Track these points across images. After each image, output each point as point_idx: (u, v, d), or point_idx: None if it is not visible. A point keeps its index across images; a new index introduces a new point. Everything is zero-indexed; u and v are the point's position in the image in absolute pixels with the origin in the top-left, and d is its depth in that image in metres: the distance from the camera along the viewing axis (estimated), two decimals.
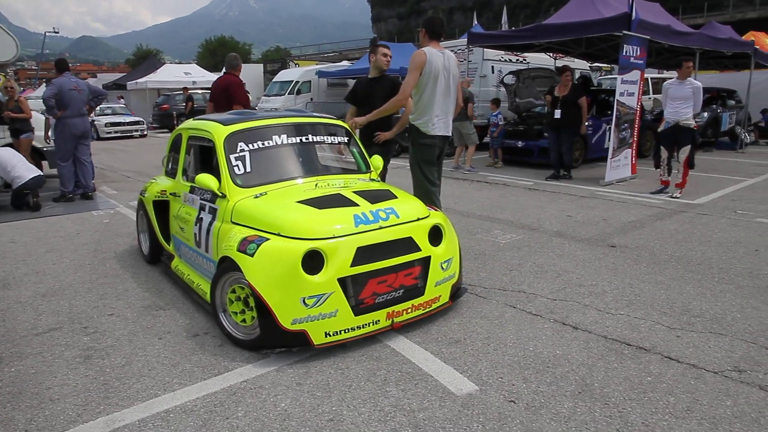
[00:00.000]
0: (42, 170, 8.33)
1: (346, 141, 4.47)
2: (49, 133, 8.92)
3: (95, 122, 19.95)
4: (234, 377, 3.02)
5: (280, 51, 77.27)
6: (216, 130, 4.03)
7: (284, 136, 4.09)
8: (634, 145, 9.72)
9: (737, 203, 7.51)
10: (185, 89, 22.29)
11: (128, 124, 21.36)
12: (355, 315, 3.26)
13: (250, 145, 3.95)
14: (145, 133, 21.62)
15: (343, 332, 3.24)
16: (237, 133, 3.97)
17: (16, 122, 8.87)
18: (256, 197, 3.67)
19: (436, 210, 4.00)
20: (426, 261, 3.56)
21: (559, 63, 13.12)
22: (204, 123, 4.31)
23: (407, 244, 3.47)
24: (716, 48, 11.56)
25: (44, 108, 8.06)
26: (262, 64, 34.07)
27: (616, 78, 9.81)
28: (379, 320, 3.36)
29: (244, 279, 3.18)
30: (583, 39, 11.09)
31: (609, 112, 9.35)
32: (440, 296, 3.69)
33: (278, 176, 3.93)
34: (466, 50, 12.23)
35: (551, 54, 13.83)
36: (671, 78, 8.18)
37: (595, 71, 19.01)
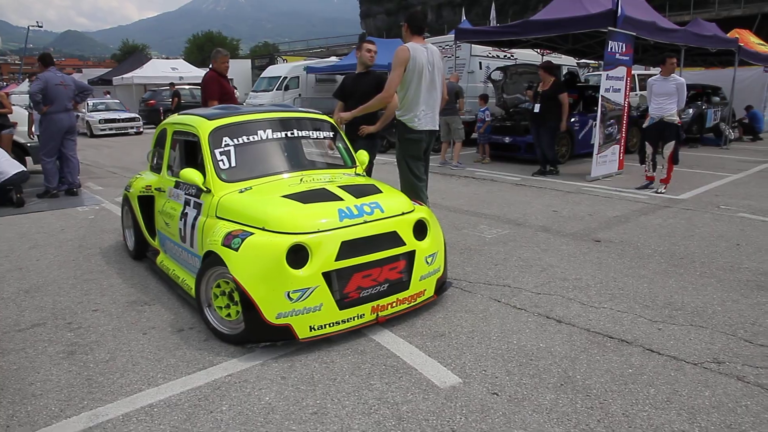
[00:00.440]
0: (26, 166, 8.25)
1: (331, 136, 4.48)
2: (33, 129, 8.82)
3: (88, 119, 19.50)
4: (218, 371, 3.02)
5: (268, 46, 76.96)
6: (201, 124, 4.01)
7: (269, 131, 4.09)
8: (622, 141, 9.78)
9: (720, 198, 7.60)
10: (172, 85, 22.19)
11: (123, 120, 20.28)
12: (340, 309, 3.27)
13: (235, 140, 3.94)
14: (141, 129, 20.57)
15: (327, 326, 3.25)
16: (222, 128, 3.96)
17: None
18: (241, 192, 3.67)
19: (421, 204, 4.02)
20: (411, 255, 3.57)
21: (547, 59, 13.16)
22: (188, 118, 4.29)
23: (392, 239, 3.48)
24: (701, 45, 11.65)
25: (27, 103, 7.97)
26: (250, 60, 33.89)
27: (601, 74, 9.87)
28: (363, 314, 3.38)
29: (229, 273, 3.18)
30: (569, 35, 11.15)
31: (596, 108, 9.41)
32: (425, 290, 3.71)
33: (263, 171, 3.92)
34: (453, 46, 12.24)
35: (539, 50, 13.88)
36: (657, 75, 8.24)
37: (583, 68, 19.09)
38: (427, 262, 3.68)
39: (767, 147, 13.72)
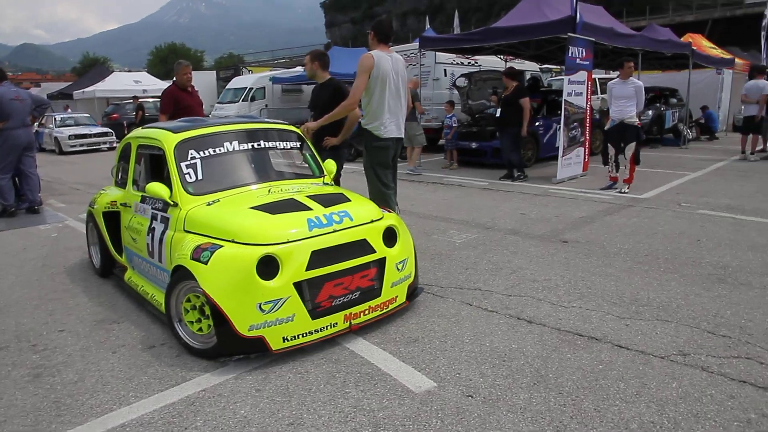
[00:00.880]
0: None
1: (298, 146, 4.48)
2: None
3: (56, 135, 18.78)
4: (192, 387, 2.99)
5: (233, 58, 76.38)
6: (165, 138, 3.97)
7: (236, 143, 4.07)
8: (586, 143, 9.99)
9: (681, 196, 7.82)
10: (135, 98, 21.81)
11: (95, 135, 19.37)
12: (313, 318, 3.26)
13: (201, 153, 3.91)
14: (115, 144, 19.32)
15: (301, 336, 3.24)
16: (187, 141, 3.93)
17: None
18: (209, 204, 3.64)
19: (390, 212, 4.05)
20: (381, 262, 3.59)
21: (510, 65, 13.39)
22: (153, 131, 4.24)
23: (362, 247, 3.49)
24: (657, 49, 12.02)
25: None
26: (215, 72, 33.58)
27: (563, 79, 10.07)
28: (336, 323, 3.38)
29: (199, 287, 3.14)
30: (531, 41, 11.35)
31: (559, 112, 9.60)
32: (397, 297, 3.72)
33: (231, 183, 3.90)
34: (418, 54, 12.35)
35: (502, 56, 14.10)
36: (617, 78, 8.46)
37: (545, 72, 19.44)
38: (398, 269, 3.70)
39: (723, 146, 14.17)
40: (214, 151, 3.96)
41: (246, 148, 4.13)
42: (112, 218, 4.73)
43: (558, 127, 10.06)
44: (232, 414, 2.71)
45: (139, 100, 20.95)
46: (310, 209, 3.47)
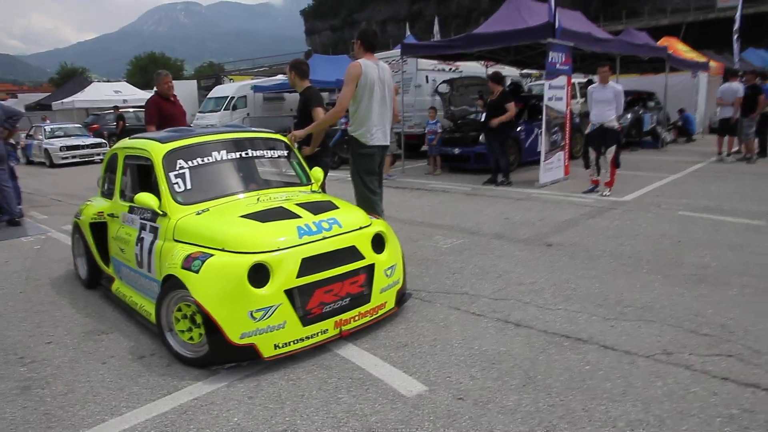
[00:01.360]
0: None
1: (285, 155, 4.51)
2: None
3: (47, 147, 17.78)
4: (184, 396, 2.99)
5: (213, 66, 76.06)
6: (154, 148, 3.98)
7: (224, 152, 4.09)
8: (566, 147, 10.14)
9: (661, 198, 7.96)
10: (116, 108, 21.63)
11: (88, 147, 18.17)
12: (304, 325, 3.29)
13: (190, 162, 3.92)
14: None
15: (292, 343, 3.26)
16: (175, 151, 3.94)
17: None
18: (198, 214, 3.65)
19: (377, 218, 4.09)
20: (370, 269, 3.63)
21: (491, 71, 13.53)
22: (141, 141, 4.25)
23: (351, 253, 3.53)
24: (634, 53, 12.25)
25: None
26: (195, 81, 33.44)
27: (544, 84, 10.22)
28: (327, 329, 3.41)
29: (190, 296, 3.16)
30: (511, 47, 11.50)
31: (540, 117, 9.73)
32: (386, 302, 3.76)
33: (219, 192, 3.92)
34: (400, 61, 12.44)
35: (483, 62, 14.25)
36: (597, 83, 8.62)
37: (526, 77, 19.68)
38: (387, 275, 3.75)
39: (700, 148, 14.43)
40: (203, 161, 3.98)
41: (234, 157, 4.15)
42: (99, 229, 4.71)
43: (539, 131, 10.19)
44: (225, 422, 2.73)
45: (120, 110, 20.78)
46: (300, 217, 3.50)
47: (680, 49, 17.66)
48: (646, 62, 14.24)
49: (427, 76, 14.58)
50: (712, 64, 17.30)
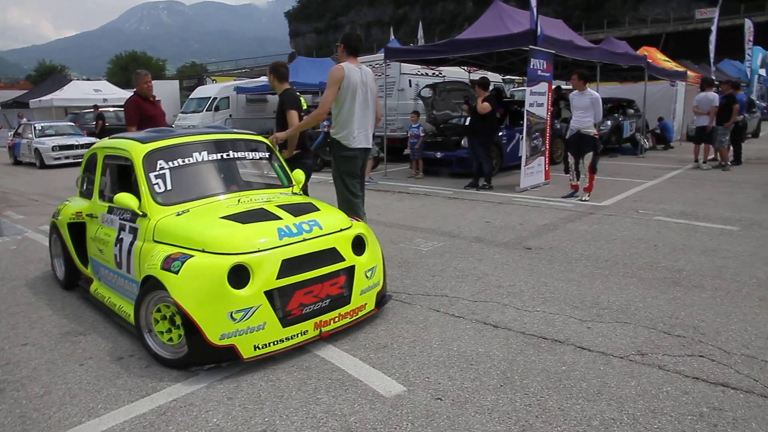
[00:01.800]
0: None
1: (267, 156, 4.51)
2: None
3: (37, 146, 16.62)
4: (163, 397, 2.99)
5: (196, 67, 75.55)
6: (134, 148, 3.96)
7: (204, 153, 4.09)
8: (547, 152, 10.26)
9: (639, 203, 8.10)
10: (96, 107, 21.40)
11: (82, 146, 16.48)
12: (284, 326, 3.30)
13: (170, 163, 3.91)
14: None
15: (272, 344, 3.27)
16: (156, 151, 3.93)
17: None
18: (178, 215, 3.65)
19: (358, 221, 4.12)
20: (350, 270, 3.65)
21: (474, 76, 13.65)
22: (120, 142, 4.23)
23: (331, 255, 3.55)
24: (614, 61, 12.44)
25: None
26: (177, 81, 33.18)
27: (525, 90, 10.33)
28: (307, 330, 3.42)
29: (170, 297, 3.15)
30: (494, 53, 11.61)
31: (521, 122, 9.83)
32: (366, 304, 3.79)
33: (200, 193, 3.91)
34: (383, 65, 12.49)
35: (466, 68, 14.36)
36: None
37: (508, 83, 19.87)
38: (367, 277, 3.77)
39: (678, 155, 14.69)
40: (183, 162, 3.97)
41: (215, 158, 4.15)
42: (78, 229, 4.67)
43: (520, 137, 10.30)
44: (204, 423, 2.73)
45: (100, 109, 20.55)
46: (280, 218, 3.52)
47: (659, 58, 17.97)
48: (625, 70, 14.46)
49: (410, 80, 14.67)
50: (690, 73, 17.62)
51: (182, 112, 22.29)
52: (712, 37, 18.64)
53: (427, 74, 14.97)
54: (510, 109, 12.05)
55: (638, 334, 3.62)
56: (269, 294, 3.24)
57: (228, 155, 4.23)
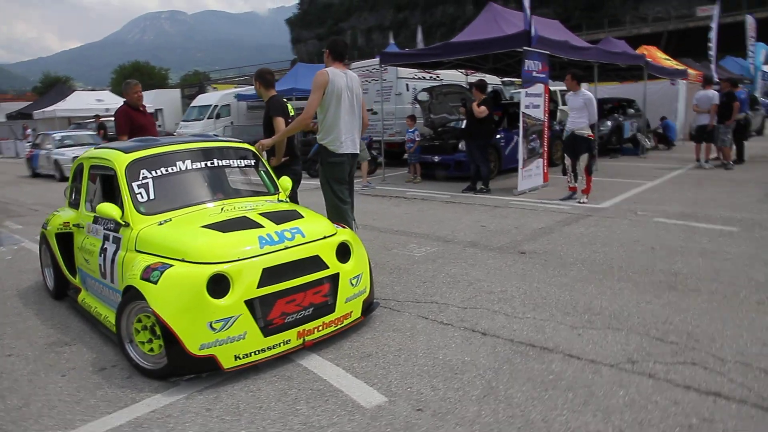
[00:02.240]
0: None
1: (253, 164, 4.47)
2: None
3: (57, 158, 15.82)
4: (141, 408, 2.94)
5: (198, 75, 75.86)
6: (117, 158, 3.93)
7: (188, 162, 4.06)
8: (545, 154, 10.19)
9: (638, 205, 8.01)
10: (97, 117, 21.44)
11: None
12: (265, 336, 3.25)
13: (153, 172, 3.89)
14: None
15: (253, 354, 3.22)
16: (139, 161, 3.90)
17: None
18: (161, 224, 3.61)
19: (344, 227, 4.06)
20: (335, 278, 3.60)
21: (471, 79, 13.59)
22: (104, 152, 4.21)
23: (314, 263, 3.50)
24: (611, 61, 12.35)
25: None
26: (179, 89, 33.31)
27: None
28: (289, 340, 3.37)
29: (149, 307, 3.11)
30: (490, 55, 11.56)
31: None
32: (352, 312, 3.73)
33: (183, 202, 3.88)
34: (380, 69, 12.47)
35: (462, 71, 14.31)
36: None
37: (508, 85, 19.79)
38: (352, 284, 3.72)
39: (680, 154, 14.58)
40: (167, 171, 3.94)
41: (199, 166, 4.12)
42: (66, 239, 4.66)
43: (518, 139, 10.23)
44: None
45: (101, 119, 20.58)
46: (262, 227, 3.47)
47: (659, 57, 17.87)
48: (625, 70, 14.37)
49: (407, 84, 14.63)
50: (692, 72, 17.50)
51: (184, 120, 22.33)
52: (713, 35, 18.50)
53: (424, 78, 14.94)
54: (508, 112, 11.99)
55: (630, 340, 3.54)
56: (250, 303, 3.20)
57: (212, 163, 4.19)
